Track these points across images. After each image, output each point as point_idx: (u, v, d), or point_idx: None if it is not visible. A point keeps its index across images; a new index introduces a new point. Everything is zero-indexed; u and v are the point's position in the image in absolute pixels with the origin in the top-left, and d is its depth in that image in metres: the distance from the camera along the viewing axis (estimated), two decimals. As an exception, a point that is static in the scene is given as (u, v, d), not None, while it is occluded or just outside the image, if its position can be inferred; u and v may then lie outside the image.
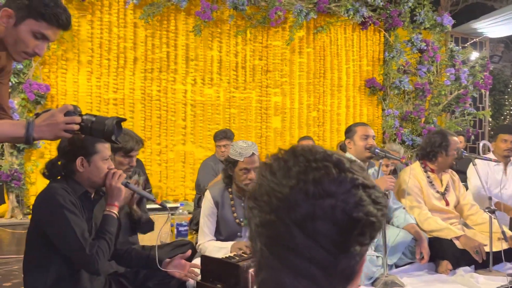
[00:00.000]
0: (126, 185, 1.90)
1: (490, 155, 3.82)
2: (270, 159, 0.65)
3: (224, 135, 4.10)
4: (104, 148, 1.82)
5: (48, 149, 4.63)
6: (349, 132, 2.91)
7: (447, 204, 3.14)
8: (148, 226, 2.51)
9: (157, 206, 3.25)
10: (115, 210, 1.82)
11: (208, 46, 5.42)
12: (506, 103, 11.66)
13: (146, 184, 4.21)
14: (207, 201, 2.47)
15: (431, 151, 3.06)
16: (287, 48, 5.79)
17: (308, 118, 5.99)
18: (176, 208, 3.43)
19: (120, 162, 2.28)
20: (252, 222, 0.64)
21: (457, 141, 3.14)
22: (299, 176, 0.60)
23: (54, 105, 4.67)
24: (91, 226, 1.81)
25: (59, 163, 1.83)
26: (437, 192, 3.13)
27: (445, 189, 3.17)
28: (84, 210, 1.78)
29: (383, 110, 6.35)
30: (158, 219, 3.40)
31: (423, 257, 2.70)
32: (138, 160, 4.25)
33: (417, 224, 2.92)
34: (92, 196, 1.86)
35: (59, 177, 1.84)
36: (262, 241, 0.62)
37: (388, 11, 6.18)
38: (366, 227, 0.60)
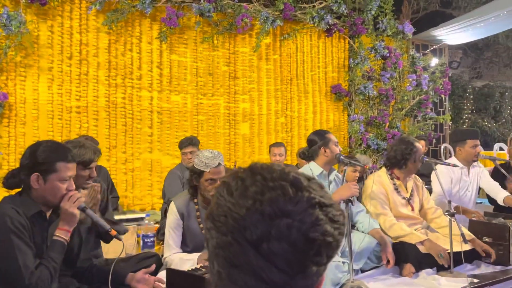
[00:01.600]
0: (83, 210, 1.82)
1: (452, 159, 3.97)
2: (228, 178, 0.65)
3: (189, 142, 4.06)
4: (65, 168, 1.73)
5: (6, 160, 4.44)
6: (322, 140, 2.91)
7: (412, 209, 3.24)
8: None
9: (121, 217, 3.20)
10: (64, 236, 1.73)
11: (175, 52, 5.36)
12: (465, 107, 12.17)
13: (113, 192, 4.11)
14: (172, 213, 2.43)
15: (402, 159, 3.13)
16: (254, 55, 5.81)
17: (276, 124, 6.03)
18: (142, 218, 3.36)
19: (80, 175, 2.22)
20: (210, 243, 0.63)
21: (421, 146, 3.25)
22: (255, 196, 0.60)
23: (13, 114, 4.48)
24: (43, 248, 1.73)
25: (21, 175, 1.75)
26: (403, 198, 3.22)
27: (410, 195, 3.26)
28: (34, 231, 1.70)
29: (348, 115, 6.48)
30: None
31: (388, 262, 2.76)
32: (103, 168, 4.16)
33: (382, 230, 2.99)
34: (48, 214, 1.78)
35: (19, 189, 1.76)
36: (219, 263, 0.61)
37: (352, 19, 6.32)
38: (323, 247, 0.60)
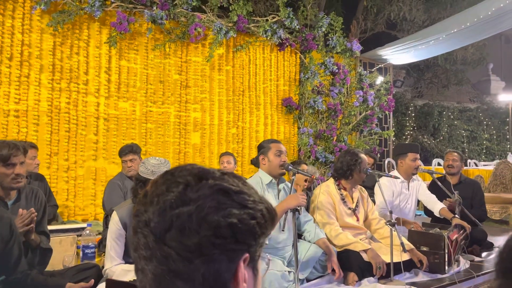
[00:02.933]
0: None
1: (394, 172, 4.15)
2: (155, 182, 0.67)
3: (130, 149, 3.94)
4: None
5: None
6: (263, 148, 2.97)
7: (358, 219, 3.33)
8: (46, 256, 2.32)
9: (60, 227, 3.03)
10: None
11: (124, 58, 5.22)
12: (407, 124, 12.85)
13: (51, 201, 3.87)
14: (114, 223, 2.32)
15: (347, 170, 3.25)
16: (207, 65, 5.79)
17: (227, 134, 6.02)
18: (83, 228, 3.20)
19: (3, 173, 2.08)
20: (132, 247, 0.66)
21: (366, 158, 3.38)
22: (162, 193, 0.62)
23: None
24: None
25: None
26: (349, 208, 3.31)
27: (356, 205, 3.36)
28: None
29: (298, 128, 6.61)
30: (62, 241, 3.15)
31: (334, 271, 2.82)
32: (40, 176, 3.93)
33: (328, 240, 3.05)
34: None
35: None
36: (135, 258, 0.64)
37: (303, 34, 6.50)
38: (224, 229, 0.59)
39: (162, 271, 0.60)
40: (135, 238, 0.63)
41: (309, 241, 3.00)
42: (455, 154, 4.34)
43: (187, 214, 0.59)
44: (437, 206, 3.95)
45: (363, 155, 3.33)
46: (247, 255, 0.62)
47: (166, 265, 0.59)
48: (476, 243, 3.88)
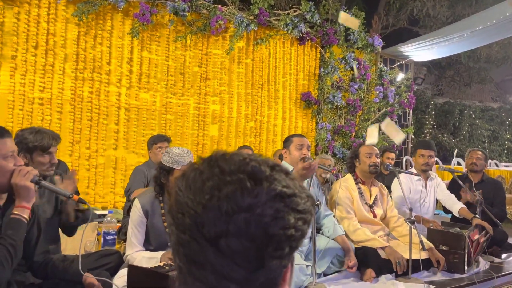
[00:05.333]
0: (37, 182, 1.69)
1: (412, 170, 4.10)
2: (187, 170, 0.63)
3: (165, 138, 4.00)
4: (3, 145, 1.59)
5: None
6: (286, 142, 2.99)
7: (374, 216, 3.32)
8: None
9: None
10: (22, 213, 1.60)
11: (146, 49, 5.27)
12: (427, 122, 12.66)
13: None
14: (136, 210, 2.36)
15: (349, 162, 3.32)
16: (226, 57, 5.81)
17: (245, 128, 6.03)
18: (104, 215, 3.26)
19: (40, 161, 2.16)
20: (171, 239, 0.62)
21: (368, 149, 3.28)
22: (212, 192, 0.58)
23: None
24: None
25: None
26: (366, 204, 3.29)
27: (373, 202, 3.34)
28: None
29: (316, 123, 6.58)
30: (83, 227, 3.21)
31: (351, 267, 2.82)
32: (61, 162, 4.01)
33: (346, 235, 3.04)
34: (1, 202, 1.68)
35: None
36: (180, 259, 0.61)
37: (324, 29, 6.45)
38: (284, 241, 0.58)
39: (216, 278, 0.58)
40: (180, 237, 0.59)
41: (327, 237, 3.00)
42: (479, 152, 4.26)
43: (245, 222, 0.57)
44: (456, 206, 3.89)
45: (365, 148, 3.29)
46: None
47: (221, 272, 0.57)
48: (496, 244, 3.81)
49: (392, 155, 5.19)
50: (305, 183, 2.98)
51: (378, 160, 3.26)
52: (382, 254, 2.93)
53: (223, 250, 0.56)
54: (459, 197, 3.93)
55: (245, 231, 0.56)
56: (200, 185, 0.59)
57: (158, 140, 3.97)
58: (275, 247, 0.57)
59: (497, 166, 10.76)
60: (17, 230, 1.58)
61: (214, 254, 0.57)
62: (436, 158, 4.33)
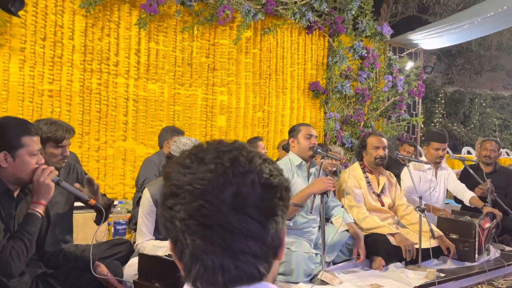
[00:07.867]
0: (57, 182, 1.77)
1: (422, 158, 4.06)
2: (178, 159, 0.67)
3: (179, 131, 4.01)
4: (32, 142, 1.67)
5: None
6: (293, 131, 2.97)
7: (382, 205, 3.30)
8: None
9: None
10: (39, 209, 1.68)
11: (153, 40, 5.27)
12: (436, 111, 12.53)
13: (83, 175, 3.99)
14: (146, 200, 2.38)
15: (357, 151, 3.33)
16: (234, 47, 5.78)
17: (253, 118, 6.02)
18: (114, 205, 3.29)
19: (52, 153, 2.18)
20: (176, 220, 0.63)
21: (375, 141, 3.25)
22: (215, 161, 0.64)
23: (-20, 94, 4.30)
24: (11, 227, 1.67)
25: None
26: (374, 192, 3.28)
27: (381, 191, 3.33)
28: (2, 209, 1.64)
29: (325, 113, 6.54)
30: (94, 216, 3.24)
31: (359, 256, 2.82)
32: (72, 153, 4.05)
33: (355, 223, 3.04)
34: (15, 194, 1.72)
35: None
36: (192, 231, 0.62)
37: (332, 18, 6.38)
38: (284, 191, 0.66)
39: (232, 238, 0.61)
40: (191, 206, 0.62)
41: (336, 227, 2.99)
42: (494, 143, 4.17)
43: (251, 180, 0.63)
44: (466, 195, 3.86)
45: (372, 139, 3.26)
46: None
47: (238, 228, 0.61)
48: (507, 232, 3.79)
49: (411, 149, 5.14)
50: (311, 175, 2.97)
51: (386, 152, 3.23)
52: (392, 241, 2.93)
53: (238, 208, 0.61)
54: (470, 187, 3.89)
55: (253, 187, 0.62)
56: (200, 161, 0.64)
57: (174, 134, 3.99)
58: (280, 195, 0.65)
59: (508, 155, 10.64)
60: (34, 225, 1.65)
61: (230, 212, 0.61)
62: (446, 147, 4.27)
